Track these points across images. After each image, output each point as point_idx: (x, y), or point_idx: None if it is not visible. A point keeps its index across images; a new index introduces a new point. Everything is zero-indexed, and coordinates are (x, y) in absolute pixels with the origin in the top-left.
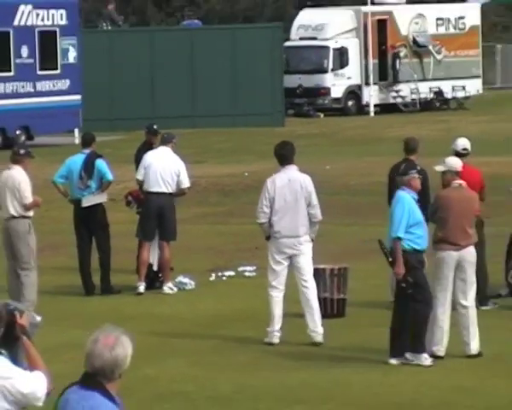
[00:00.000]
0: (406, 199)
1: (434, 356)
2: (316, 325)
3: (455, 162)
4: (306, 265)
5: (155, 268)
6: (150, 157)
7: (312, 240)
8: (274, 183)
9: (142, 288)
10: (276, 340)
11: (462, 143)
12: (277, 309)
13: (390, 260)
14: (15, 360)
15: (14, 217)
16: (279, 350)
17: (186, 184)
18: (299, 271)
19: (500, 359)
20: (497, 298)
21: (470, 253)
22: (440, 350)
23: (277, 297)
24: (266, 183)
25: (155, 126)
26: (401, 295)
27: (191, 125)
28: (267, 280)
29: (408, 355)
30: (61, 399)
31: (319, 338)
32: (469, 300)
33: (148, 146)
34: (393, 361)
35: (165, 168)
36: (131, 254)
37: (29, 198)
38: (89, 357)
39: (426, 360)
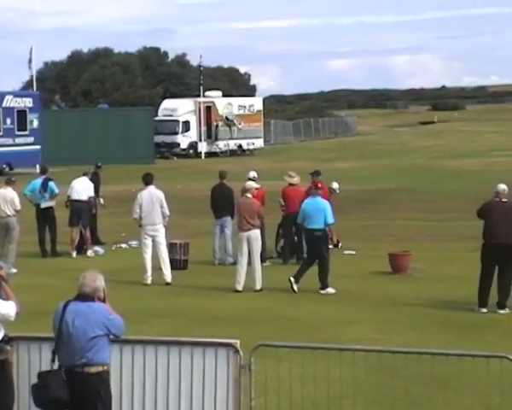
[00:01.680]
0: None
1: (236, 290)
2: (166, 273)
3: (249, 184)
4: (161, 240)
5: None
6: (74, 182)
7: (165, 226)
8: (142, 195)
9: (74, 254)
10: (149, 282)
11: (253, 173)
12: (148, 263)
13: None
14: None
15: (9, 216)
16: (151, 288)
17: (91, 194)
18: (157, 244)
19: (274, 291)
20: (271, 258)
21: (254, 233)
22: (240, 287)
23: (147, 256)
24: (137, 195)
25: (99, 164)
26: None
27: (103, 163)
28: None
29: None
30: (66, 309)
31: (168, 279)
32: (256, 259)
33: (94, 175)
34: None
35: (80, 187)
36: (67, 235)
37: (19, 206)
38: (81, 286)
39: (332, 290)
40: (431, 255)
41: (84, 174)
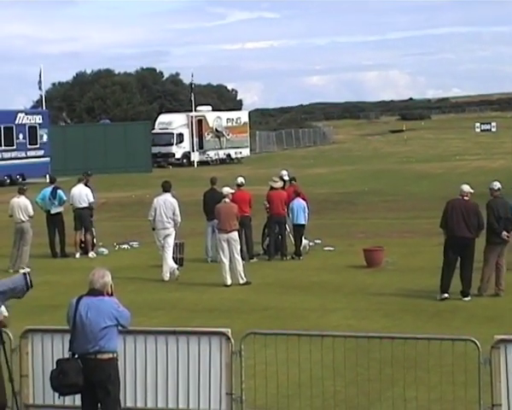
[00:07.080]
0: None
1: (225, 285)
2: (166, 270)
3: (226, 190)
4: (170, 242)
5: (82, 245)
6: (73, 190)
7: (176, 231)
8: (158, 200)
9: (77, 255)
10: (166, 278)
11: (241, 179)
12: (164, 260)
13: None
14: None
15: (23, 221)
16: (150, 283)
17: (91, 200)
18: (165, 244)
19: (262, 284)
20: (258, 255)
21: (234, 234)
22: (228, 281)
23: (162, 254)
24: (153, 200)
25: (89, 172)
26: None
27: (106, 172)
28: (157, 247)
29: None
30: (80, 303)
31: (166, 277)
32: (237, 257)
33: (86, 182)
34: None
35: (79, 194)
36: (73, 237)
37: (32, 212)
38: (91, 282)
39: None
40: (400, 250)
41: (79, 181)
